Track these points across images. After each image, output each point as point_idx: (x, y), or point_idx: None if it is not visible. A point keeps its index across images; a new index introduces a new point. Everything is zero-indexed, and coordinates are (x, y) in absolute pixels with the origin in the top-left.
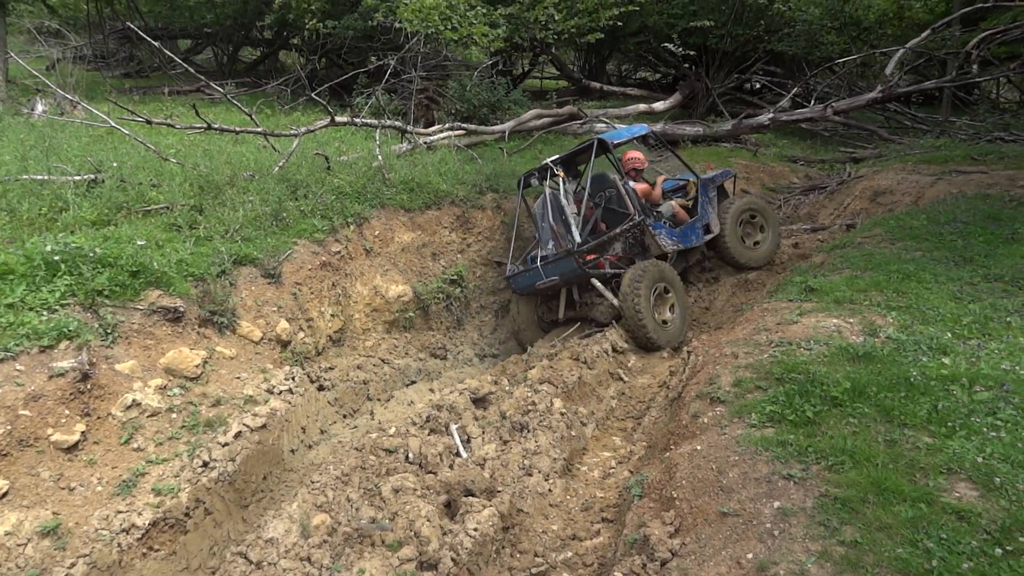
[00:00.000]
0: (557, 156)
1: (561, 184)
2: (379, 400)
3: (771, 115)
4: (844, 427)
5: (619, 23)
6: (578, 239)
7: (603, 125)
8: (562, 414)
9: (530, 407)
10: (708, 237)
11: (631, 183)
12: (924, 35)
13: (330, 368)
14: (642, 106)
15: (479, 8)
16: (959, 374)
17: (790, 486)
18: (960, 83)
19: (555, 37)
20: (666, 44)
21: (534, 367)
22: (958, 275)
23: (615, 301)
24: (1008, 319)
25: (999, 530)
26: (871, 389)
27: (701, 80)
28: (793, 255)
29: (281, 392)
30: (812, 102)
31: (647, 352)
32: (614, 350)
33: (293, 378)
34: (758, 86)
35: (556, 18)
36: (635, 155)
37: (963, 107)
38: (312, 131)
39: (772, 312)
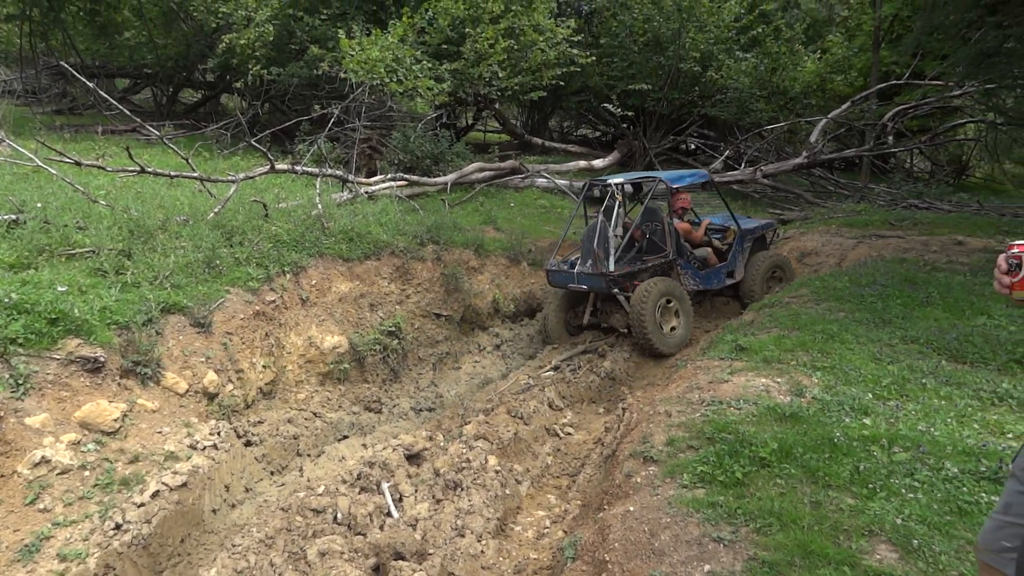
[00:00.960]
0: (621, 179)
1: (617, 204)
2: (309, 456)
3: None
4: (772, 488)
5: (561, 83)
6: (612, 268)
7: (544, 180)
8: (496, 471)
9: (464, 464)
10: (730, 282)
11: (675, 220)
12: (844, 107)
13: (259, 422)
14: (582, 163)
15: (425, 63)
16: (879, 435)
17: (720, 549)
18: (877, 152)
19: (499, 93)
20: (606, 104)
21: (470, 422)
22: (878, 336)
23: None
24: (924, 380)
25: None
26: (797, 450)
27: (639, 140)
28: (725, 312)
29: (205, 448)
30: (743, 165)
31: (582, 408)
32: (551, 406)
33: (219, 433)
34: (693, 147)
35: (500, 75)
36: (683, 196)
37: (881, 175)
38: (251, 178)
39: (705, 370)
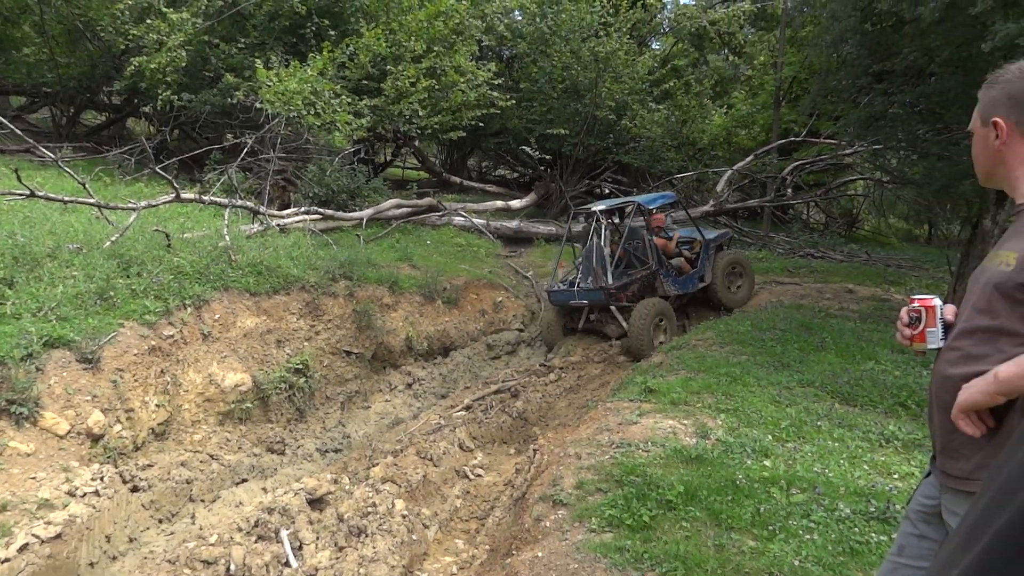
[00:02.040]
0: (604, 206)
1: (602, 228)
2: (203, 501)
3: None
4: (678, 531)
5: (481, 123)
6: (610, 281)
7: (461, 219)
8: (404, 516)
9: (370, 509)
10: (702, 285)
11: (654, 238)
12: (748, 159)
13: (149, 465)
14: (499, 203)
15: (344, 97)
16: (778, 476)
17: None
18: (777, 203)
19: (419, 131)
20: (525, 147)
21: (378, 464)
22: (776, 379)
23: (625, 325)
24: (819, 423)
25: None
26: (702, 492)
27: (556, 182)
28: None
29: (85, 494)
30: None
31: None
32: (461, 447)
33: (101, 478)
34: (607, 191)
35: (420, 113)
36: (659, 216)
37: (780, 224)
38: (154, 206)
39: (615, 412)
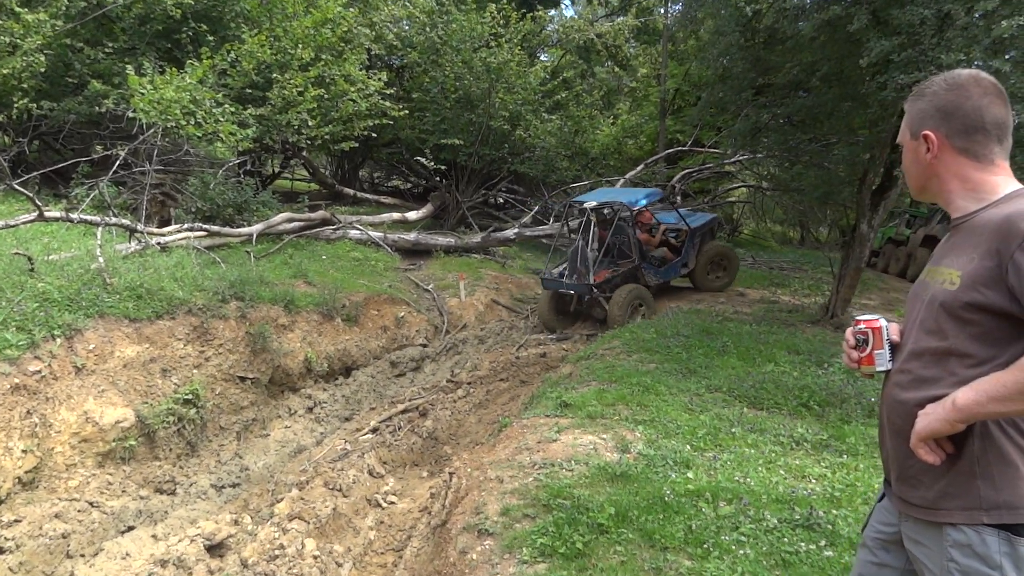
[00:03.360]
0: (594, 203)
1: (591, 223)
2: (83, 557)
3: (516, 230)
4: (613, 556)
5: (373, 134)
6: (591, 281)
7: (357, 232)
8: (315, 557)
9: (278, 551)
10: (684, 271)
11: (638, 232)
12: (639, 168)
13: (16, 521)
14: (396, 215)
15: (227, 106)
16: (703, 488)
17: None
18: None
19: (308, 142)
20: (419, 157)
21: (282, 499)
22: (686, 386)
23: (607, 309)
24: (733, 429)
25: None
26: (633, 512)
27: (451, 193)
28: (542, 365)
29: None
30: (551, 220)
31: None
32: (371, 473)
33: None
34: (502, 201)
35: (310, 124)
36: (646, 213)
37: None
38: (12, 226)
39: (532, 429)
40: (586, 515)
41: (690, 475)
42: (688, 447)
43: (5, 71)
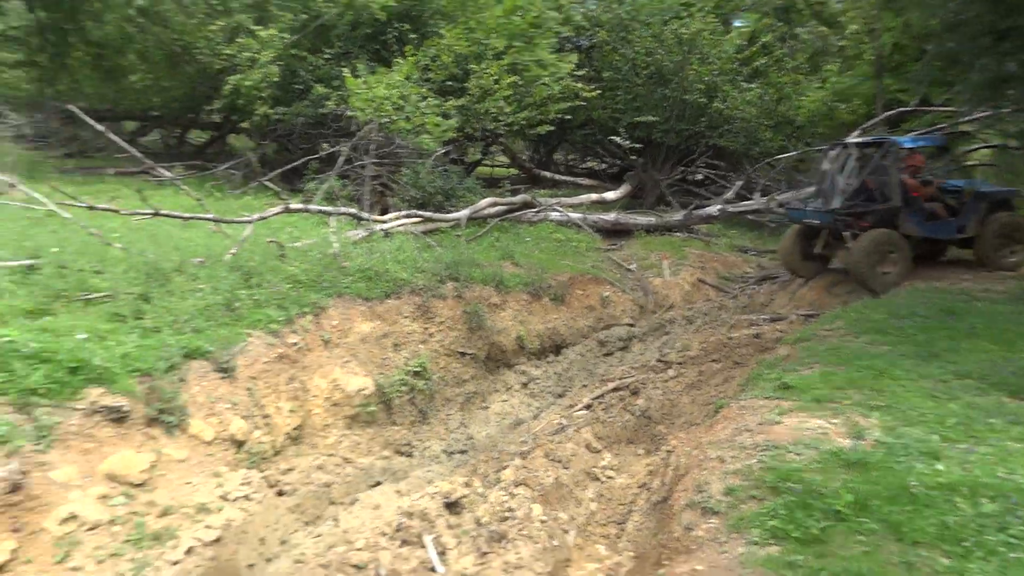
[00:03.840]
0: (859, 139)
1: (852, 158)
2: (343, 504)
3: (720, 206)
4: (854, 545)
5: (567, 116)
6: (837, 205)
7: (557, 214)
8: (543, 521)
9: (507, 513)
10: (960, 236)
11: (905, 176)
12: (855, 135)
13: (289, 470)
14: (594, 196)
15: (431, 100)
16: (958, 482)
17: None
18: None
19: (506, 128)
20: (613, 137)
21: (507, 467)
22: (928, 372)
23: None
24: (990, 420)
25: None
26: (874, 502)
27: (648, 171)
28: (755, 346)
29: (236, 499)
30: (756, 194)
31: (620, 449)
32: (588, 448)
33: (249, 482)
34: (701, 177)
35: (507, 110)
36: (918, 157)
37: None
38: (265, 218)
39: (751, 410)
40: (820, 500)
41: (940, 467)
42: (935, 437)
43: (248, 83)
